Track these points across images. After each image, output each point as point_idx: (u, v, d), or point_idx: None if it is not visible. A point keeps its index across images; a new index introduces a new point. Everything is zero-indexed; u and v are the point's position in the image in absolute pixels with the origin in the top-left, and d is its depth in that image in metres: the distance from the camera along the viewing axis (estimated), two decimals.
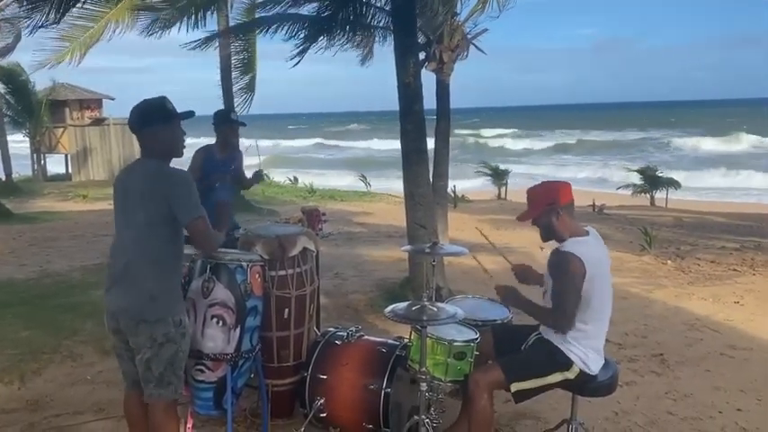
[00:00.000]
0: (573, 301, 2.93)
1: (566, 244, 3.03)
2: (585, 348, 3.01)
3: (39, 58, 12.58)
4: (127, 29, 11.83)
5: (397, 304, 3.16)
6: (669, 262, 8.47)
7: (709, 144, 42.56)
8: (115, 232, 2.93)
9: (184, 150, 2.95)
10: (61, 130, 22.97)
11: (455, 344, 3.13)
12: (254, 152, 5.56)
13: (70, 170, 23.35)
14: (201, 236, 2.81)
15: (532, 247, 9.18)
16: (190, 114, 2.90)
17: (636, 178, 20.15)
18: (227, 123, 5.07)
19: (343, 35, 7.47)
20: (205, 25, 11.86)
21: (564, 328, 2.98)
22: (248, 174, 5.43)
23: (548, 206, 3.06)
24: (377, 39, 8.45)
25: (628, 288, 6.93)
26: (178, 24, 11.56)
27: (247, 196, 13.89)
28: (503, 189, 21.04)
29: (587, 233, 3.11)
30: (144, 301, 2.76)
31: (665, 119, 69.20)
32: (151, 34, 11.92)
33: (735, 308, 6.34)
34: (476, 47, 8.44)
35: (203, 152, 4.97)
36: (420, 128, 6.01)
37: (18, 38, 15.53)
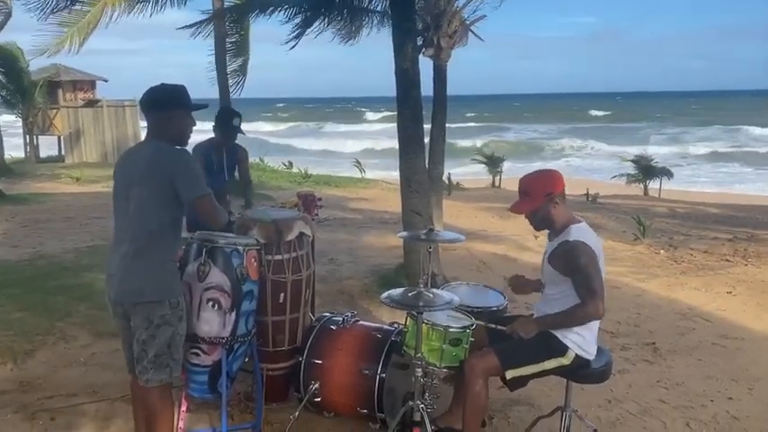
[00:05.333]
0: (600, 282, 2.92)
1: (571, 233, 3.00)
2: (581, 333, 3.02)
3: (38, 43, 12.51)
4: (123, 12, 11.76)
5: (393, 290, 3.15)
6: (662, 252, 8.50)
7: (703, 135, 42.94)
8: (115, 214, 2.92)
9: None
10: (54, 111, 22.76)
11: (451, 330, 3.13)
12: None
13: (63, 152, 23.20)
14: (209, 213, 2.85)
15: (526, 234, 9.20)
16: (203, 106, 2.99)
17: (630, 167, 20.25)
18: (229, 130, 4.88)
19: (341, 19, 7.44)
20: None
21: (601, 313, 2.93)
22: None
23: (545, 197, 3.05)
24: (374, 23, 8.40)
25: (621, 277, 6.95)
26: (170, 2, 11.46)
27: None
28: (497, 177, 21.07)
29: (582, 220, 3.12)
30: (142, 282, 2.76)
31: (663, 109, 69.39)
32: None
33: (727, 298, 6.37)
34: (474, 33, 8.42)
35: (203, 150, 4.81)
36: (417, 114, 5.98)
37: (9, 15, 15.24)
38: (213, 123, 4.91)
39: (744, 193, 21.38)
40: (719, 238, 9.52)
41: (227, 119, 4.92)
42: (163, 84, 2.92)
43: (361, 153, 32.38)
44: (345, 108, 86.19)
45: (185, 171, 2.78)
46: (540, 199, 3.06)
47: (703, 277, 7.13)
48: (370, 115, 69.63)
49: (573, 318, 3.00)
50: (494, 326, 3.20)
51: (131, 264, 2.77)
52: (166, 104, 2.86)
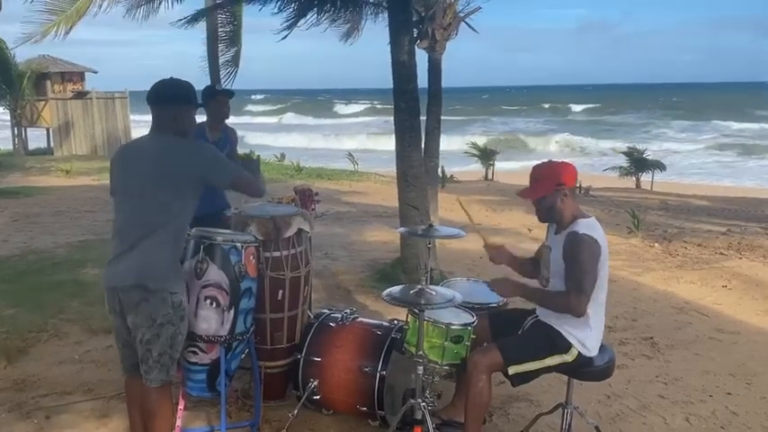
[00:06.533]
0: (592, 282, 2.88)
1: (579, 226, 2.96)
2: (584, 331, 2.99)
3: (25, 32, 12.33)
4: (113, 2, 11.60)
5: (394, 287, 3.11)
6: (656, 245, 8.52)
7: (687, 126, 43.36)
8: (117, 208, 2.86)
9: None
10: (43, 103, 22.52)
11: (452, 327, 3.10)
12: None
13: (52, 144, 22.99)
14: (248, 185, 3.04)
15: (520, 228, 9.21)
16: (201, 103, 3.09)
17: (622, 159, 20.30)
18: (212, 96, 4.76)
19: (334, 10, 7.35)
20: None
21: (582, 311, 2.89)
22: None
23: (555, 187, 3.00)
24: (368, 15, 8.33)
25: (617, 271, 6.94)
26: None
27: None
28: (490, 170, 21.04)
29: (590, 216, 3.08)
30: (146, 273, 2.70)
31: (651, 101, 69.65)
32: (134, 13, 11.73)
33: (722, 291, 6.39)
34: (468, 25, 8.37)
35: (197, 133, 4.77)
36: (414, 107, 5.94)
37: None
38: (202, 103, 4.81)
39: (732, 186, 21.52)
40: (713, 231, 9.55)
41: (210, 88, 4.88)
42: (173, 78, 2.90)
43: (347, 146, 32.06)
44: (325, 100, 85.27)
45: (212, 160, 2.87)
46: (549, 187, 3.01)
47: (698, 271, 7.15)
48: (353, 107, 69.17)
49: (552, 302, 3.01)
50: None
51: (138, 258, 2.71)
52: (180, 99, 2.86)
